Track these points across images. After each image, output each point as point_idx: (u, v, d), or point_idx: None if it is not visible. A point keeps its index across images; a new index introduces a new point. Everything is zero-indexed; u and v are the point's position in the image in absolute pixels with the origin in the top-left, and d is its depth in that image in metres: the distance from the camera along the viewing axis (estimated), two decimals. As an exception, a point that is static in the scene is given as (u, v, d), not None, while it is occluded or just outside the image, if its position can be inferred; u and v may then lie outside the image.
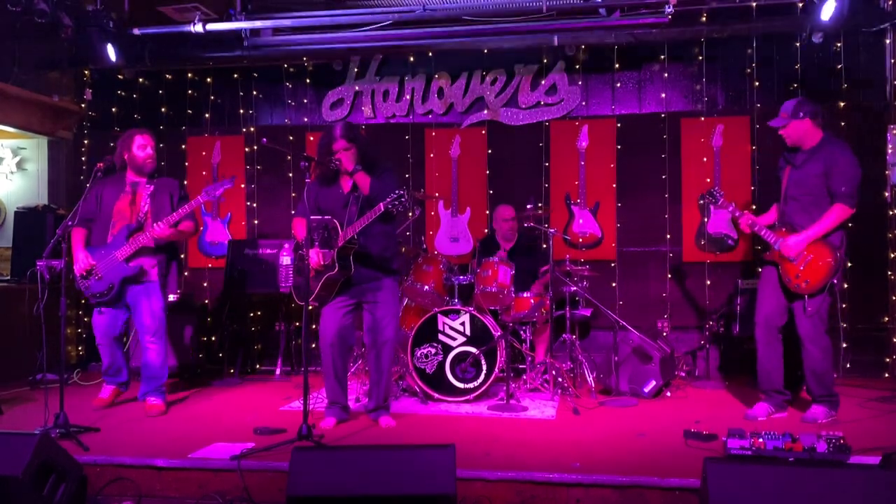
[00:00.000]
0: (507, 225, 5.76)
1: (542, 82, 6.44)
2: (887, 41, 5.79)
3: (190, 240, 6.88)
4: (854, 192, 4.19)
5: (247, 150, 6.89)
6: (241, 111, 6.90)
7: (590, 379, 5.21)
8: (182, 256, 6.91)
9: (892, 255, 5.81)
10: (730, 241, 6.08)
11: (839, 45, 5.92)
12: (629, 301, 6.28)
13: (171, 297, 6.02)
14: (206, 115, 6.94)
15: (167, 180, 4.97)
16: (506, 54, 6.40)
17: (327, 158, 4.28)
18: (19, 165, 6.94)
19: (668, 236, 6.23)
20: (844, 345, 5.90)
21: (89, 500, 3.38)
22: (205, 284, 6.89)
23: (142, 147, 4.77)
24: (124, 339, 5.04)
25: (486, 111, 6.52)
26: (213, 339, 6.63)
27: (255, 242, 6.36)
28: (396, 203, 3.98)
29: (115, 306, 4.76)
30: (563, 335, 5.32)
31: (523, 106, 6.46)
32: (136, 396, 4.91)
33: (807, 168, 4.28)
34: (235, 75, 6.85)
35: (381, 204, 4.03)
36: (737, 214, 4.46)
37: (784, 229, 4.29)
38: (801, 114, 4.26)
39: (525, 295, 5.26)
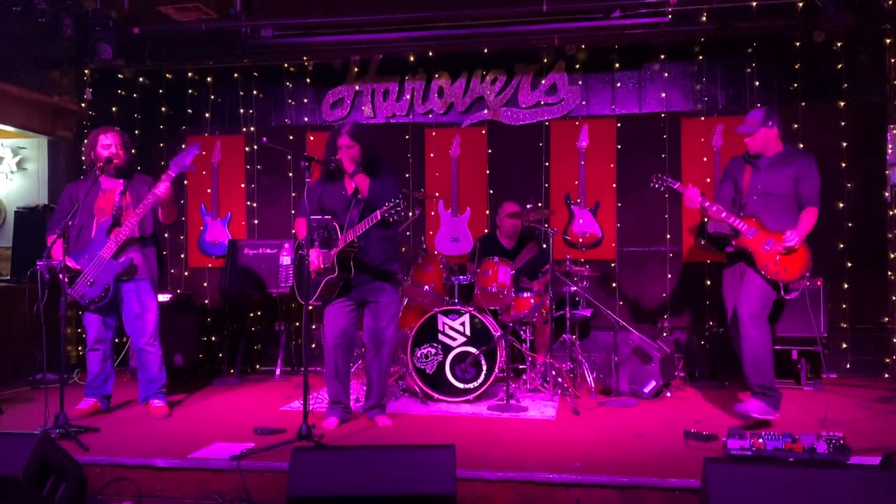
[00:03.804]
0: (509, 222, 5.76)
1: (543, 82, 6.43)
2: (887, 41, 5.80)
3: (190, 239, 6.89)
4: (820, 196, 4.35)
5: (247, 149, 6.88)
6: (242, 111, 6.90)
7: (590, 379, 5.21)
8: (182, 256, 6.93)
9: (892, 256, 5.81)
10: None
11: (839, 44, 5.92)
12: (629, 301, 6.28)
13: (165, 297, 6.02)
14: (206, 115, 6.94)
15: (141, 176, 4.82)
16: (506, 54, 6.40)
17: (329, 158, 4.30)
18: (19, 165, 6.94)
19: (668, 236, 6.23)
20: (844, 345, 5.92)
21: (89, 500, 3.38)
22: (205, 284, 6.89)
23: (105, 146, 4.60)
24: (115, 340, 4.92)
25: (486, 111, 6.52)
26: (213, 338, 6.63)
27: (255, 242, 6.36)
28: (392, 212, 3.96)
29: (110, 309, 4.63)
30: (564, 335, 5.32)
31: (523, 106, 6.46)
32: (136, 397, 4.90)
33: (776, 171, 4.35)
34: (235, 75, 6.85)
35: (378, 212, 4.02)
36: (700, 201, 4.31)
37: (754, 220, 4.28)
38: (770, 123, 4.36)
39: (525, 295, 5.26)
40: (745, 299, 4.29)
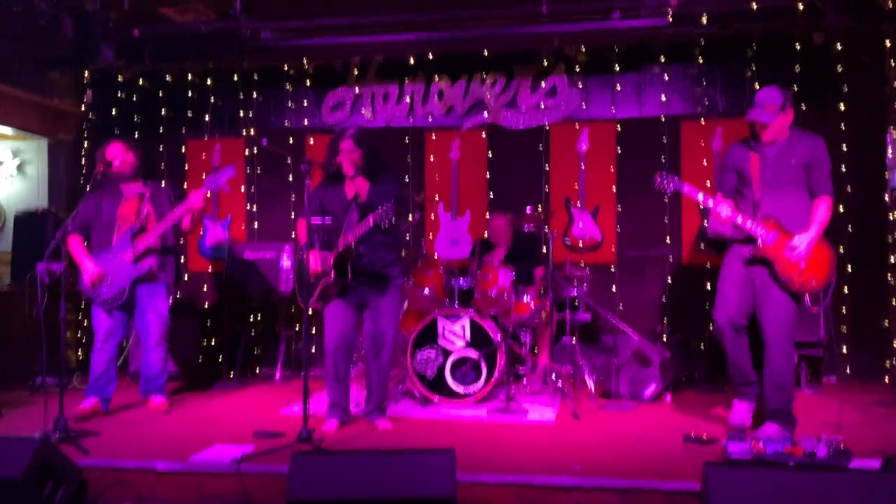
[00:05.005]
0: (500, 231, 5.76)
1: (543, 84, 6.43)
2: (887, 42, 5.80)
3: (190, 242, 6.89)
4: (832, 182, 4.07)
5: (247, 152, 6.88)
6: (241, 113, 6.89)
7: (590, 383, 5.20)
8: (182, 259, 6.92)
9: (893, 259, 5.81)
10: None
11: (839, 46, 5.92)
12: (629, 304, 6.27)
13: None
14: (206, 118, 6.93)
15: (161, 187, 5.06)
16: (506, 56, 6.40)
17: (330, 160, 4.30)
18: (19, 168, 6.94)
19: (668, 239, 6.22)
20: (845, 349, 5.91)
21: (89, 504, 3.38)
22: (205, 287, 6.89)
23: (113, 156, 4.81)
24: (124, 343, 5.02)
25: (486, 113, 6.51)
26: (213, 342, 6.62)
27: (255, 245, 6.35)
28: (383, 217, 3.94)
29: (123, 310, 4.80)
30: (563, 339, 5.31)
31: (523, 108, 6.45)
32: (136, 400, 4.92)
33: (785, 159, 4.01)
34: (235, 77, 6.84)
35: (370, 217, 4.02)
36: (711, 202, 4.03)
37: (772, 221, 3.98)
38: (788, 106, 3.98)
39: (525, 299, 5.25)
40: (772, 321, 3.99)
